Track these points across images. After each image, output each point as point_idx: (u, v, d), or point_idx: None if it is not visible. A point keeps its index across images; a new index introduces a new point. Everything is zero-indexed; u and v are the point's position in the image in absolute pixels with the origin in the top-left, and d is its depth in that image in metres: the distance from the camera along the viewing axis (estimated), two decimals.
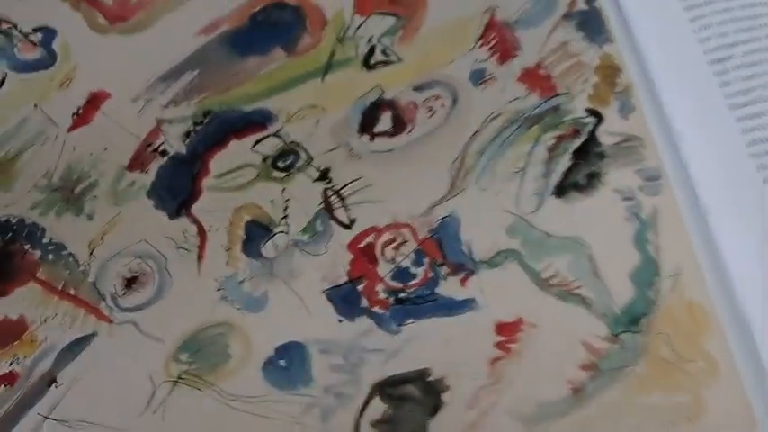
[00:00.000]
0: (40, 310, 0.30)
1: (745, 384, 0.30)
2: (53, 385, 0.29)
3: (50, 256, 0.31)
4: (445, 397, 0.29)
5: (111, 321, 0.30)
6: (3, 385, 0.29)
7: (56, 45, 0.35)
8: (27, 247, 0.31)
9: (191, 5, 0.36)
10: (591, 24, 0.36)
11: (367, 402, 0.29)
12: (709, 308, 0.31)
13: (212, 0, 0.37)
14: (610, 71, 0.35)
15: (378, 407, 0.29)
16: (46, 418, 0.29)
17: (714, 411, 0.29)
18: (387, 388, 0.29)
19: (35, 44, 0.35)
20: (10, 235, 0.31)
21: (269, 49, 0.35)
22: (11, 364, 0.30)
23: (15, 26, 0.35)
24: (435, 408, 0.29)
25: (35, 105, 0.34)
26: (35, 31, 0.35)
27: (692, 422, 0.29)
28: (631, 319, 0.30)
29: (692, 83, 0.36)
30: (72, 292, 0.30)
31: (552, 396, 0.29)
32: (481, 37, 0.35)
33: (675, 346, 0.30)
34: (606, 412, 0.29)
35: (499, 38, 0.35)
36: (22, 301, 0.30)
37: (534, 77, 0.34)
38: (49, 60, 0.34)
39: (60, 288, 0.31)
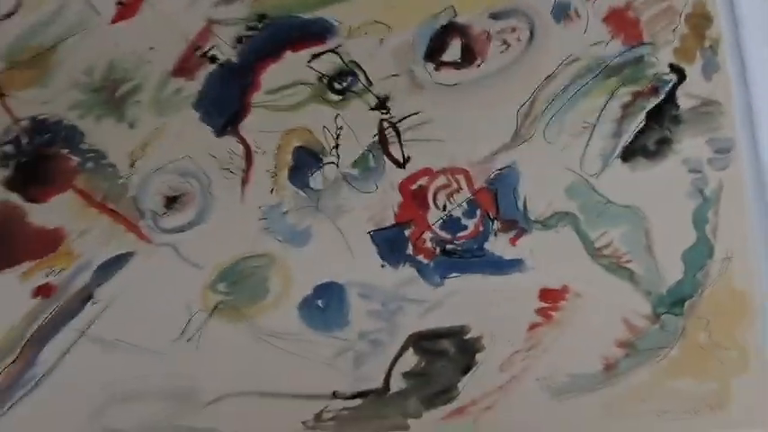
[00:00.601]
0: (78, 221, 0.31)
1: None
2: (89, 302, 0.29)
3: (89, 164, 0.31)
4: (479, 357, 0.30)
5: (150, 242, 0.31)
6: (39, 296, 0.29)
7: None
8: (65, 151, 0.31)
9: None
10: None
11: (401, 353, 0.30)
12: (754, 298, 0.31)
13: None
14: (701, 21, 0.34)
15: (411, 359, 0.30)
16: (82, 333, 0.28)
17: (739, 403, 0.31)
18: (422, 341, 0.30)
19: None
20: (48, 136, 0.30)
21: None
22: (47, 275, 0.30)
23: None
24: (468, 367, 0.31)
25: None
26: None
27: (714, 412, 0.30)
28: (676, 301, 0.31)
29: None
30: (111, 205, 0.30)
31: (584, 370, 0.31)
32: None
33: (713, 333, 0.31)
34: (633, 393, 0.31)
35: None
36: (59, 211, 0.32)
37: (621, 20, 0.34)
38: None
39: (99, 200, 0.29)
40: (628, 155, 0.35)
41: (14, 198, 0.33)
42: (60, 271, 0.32)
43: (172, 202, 0.33)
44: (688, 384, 0.33)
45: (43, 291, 0.32)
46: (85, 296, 0.32)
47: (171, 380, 0.32)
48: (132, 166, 0.33)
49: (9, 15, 0.34)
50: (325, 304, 0.33)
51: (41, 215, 0.33)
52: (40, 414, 0.31)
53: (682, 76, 0.36)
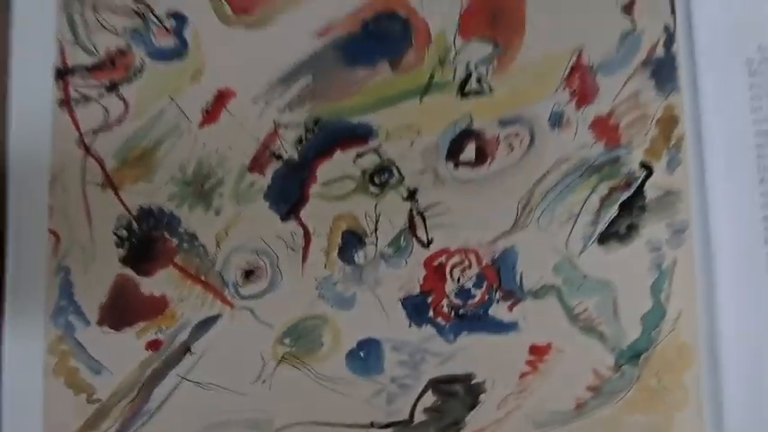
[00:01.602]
0: (178, 291, 0.41)
1: (706, 415, 0.42)
2: (188, 353, 0.40)
3: (185, 245, 0.41)
4: (482, 397, 0.41)
5: (232, 306, 0.41)
6: (150, 350, 0.40)
7: (187, 33, 0.43)
8: (167, 234, 0.41)
9: (309, 4, 0.43)
10: (663, 72, 0.45)
11: (422, 393, 0.42)
12: (695, 349, 0.42)
13: (328, 2, 0.42)
14: (669, 123, 0.44)
15: (430, 398, 0.41)
16: (183, 378, 0.40)
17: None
18: (439, 384, 0.41)
19: (168, 30, 0.41)
20: (153, 222, 0.40)
21: (376, 61, 0.42)
22: (156, 333, 0.41)
23: (151, 9, 0.41)
24: (473, 405, 0.42)
25: (171, 98, 0.41)
26: (168, 16, 0.41)
27: None
28: (634, 354, 0.42)
29: (735, 147, 0.44)
30: (202, 278, 0.40)
31: (561, 408, 0.42)
32: (566, 78, 0.42)
33: (662, 379, 0.42)
34: (598, 426, 0.42)
35: (581, 81, 0.43)
36: (164, 282, 0.41)
37: (604, 127, 0.43)
38: (181, 49, 0.42)
39: (193, 273, 0.40)
40: (603, 238, 0.45)
41: (129, 272, 0.43)
42: (166, 329, 0.43)
43: (249, 274, 0.44)
44: (640, 419, 0.45)
45: (153, 345, 0.43)
46: (185, 349, 0.43)
47: (250, 413, 0.43)
48: (218, 246, 0.44)
49: (120, 122, 0.44)
50: (366, 355, 0.44)
51: (150, 286, 0.43)
52: None
53: (650, 171, 0.46)
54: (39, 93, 0.43)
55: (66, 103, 0.43)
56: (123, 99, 0.44)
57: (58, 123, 0.43)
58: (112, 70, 0.44)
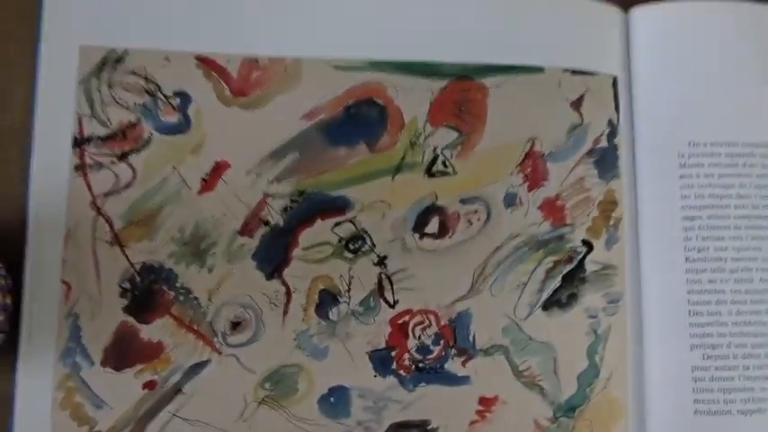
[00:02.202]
0: (173, 337, 0.48)
1: None
2: (179, 393, 0.46)
3: (181, 298, 0.47)
4: None
5: (220, 353, 0.47)
6: (146, 389, 0.46)
7: (191, 111, 0.49)
8: (165, 287, 0.47)
9: (298, 90, 0.50)
10: (606, 161, 0.51)
11: None
12: (624, 404, 0.49)
13: (315, 88, 0.51)
14: (608, 206, 0.50)
15: None
16: (174, 415, 0.46)
17: None
18: (399, 428, 0.49)
19: (174, 108, 0.48)
20: (153, 276, 0.47)
21: (355, 142, 0.49)
22: (152, 374, 0.47)
23: (160, 88, 0.47)
24: None
25: (173, 167, 0.48)
26: (175, 95, 0.48)
27: None
28: (569, 408, 0.49)
29: (665, 229, 0.51)
30: (195, 327, 0.47)
31: None
32: (520, 164, 0.49)
33: (594, 429, 0.48)
34: None
35: (533, 167, 0.50)
36: (161, 330, 0.48)
37: (551, 207, 0.50)
38: (185, 125, 0.49)
39: (187, 323, 0.47)
40: (547, 305, 0.52)
41: (131, 320, 0.50)
42: (161, 371, 0.49)
43: (236, 325, 0.50)
44: None
45: (149, 385, 0.49)
46: (177, 389, 0.49)
47: None
48: (210, 299, 0.50)
49: (128, 187, 0.51)
50: (335, 400, 0.50)
51: (149, 332, 0.49)
52: None
53: (590, 247, 0.53)
54: (58, 158, 0.50)
55: (81, 168, 0.50)
56: (132, 167, 0.50)
57: (74, 186, 0.50)
58: (124, 141, 0.50)
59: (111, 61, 0.51)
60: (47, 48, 0.51)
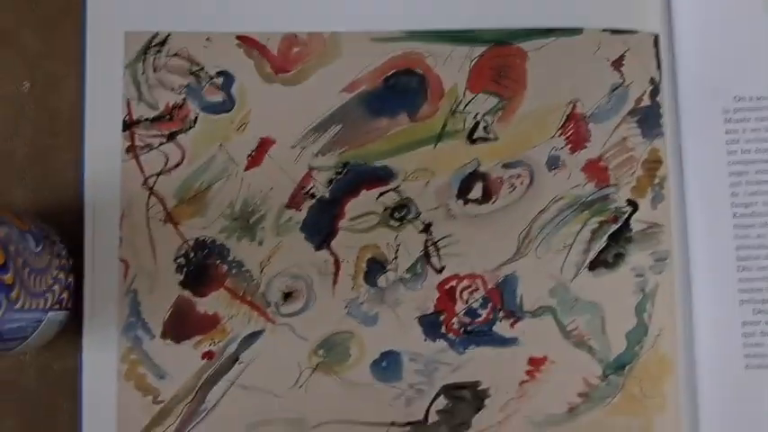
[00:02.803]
0: (228, 309, 0.49)
1: (683, 419, 0.49)
2: (237, 362, 0.48)
3: (234, 271, 0.49)
4: (487, 401, 0.49)
5: (274, 322, 0.49)
6: (205, 359, 0.48)
7: (234, 90, 0.50)
8: (218, 262, 0.49)
9: (338, 63, 0.51)
10: (649, 120, 0.51)
11: (435, 397, 0.50)
12: (674, 361, 0.49)
13: (354, 61, 0.51)
14: (653, 165, 0.50)
15: (442, 402, 0.49)
16: (232, 383, 0.48)
17: None
18: (450, 390, 0.49)
19: (218, 87, 0.49)
20: (206, 251, 0.48)
21: (396, 112, 0.50)
22: (209, 345, 0.49)
23: (203, 68, 0.49)
24: (479, 408, 0.49)
25: (220, 145, 0.49)
26: (218, 74, 0.49)
27: None
28: (619, 366, 0.49)
29: (712, 185, 0.51)
30: (249, 298, 0.48)
31: (555, 411, 0.50)
32: (562, 126, 0.49)
33: (643, 387, 0.49)
34: (586, 427, 0.49)
35: (575, 129, 0.50)
36: (216, 302, 0.49)
37: (595, 168, 0.50)
38: (229, 104, 0.50)
39: (241, 295, 0.48)
40: (593, 266, 0.53)
41: (187, 294, 0.51)
42: (218, 342, 0.51)
43: (288, 296, 0.52)
44: (623, 421, 0.51)
45: (208, 355, 0.51)
46: (234, 358, 0.50)
47: (288, 413, 0.50)
48: (262, 271, 0.52)
49: (177, 166, 0.52)
50: (387, 365, 0.52)
51: (205, 305, 0.51)
52: None
53: (636, 207, 0.53)
54: (109, 142, 0.51)
55: (132, 150, 0.51)
56: (180, 146, 0.52)
57: (126, 168, 0.51)
58: (171, 122, 0.52)
59: (156, 45, 0.52)
60: (92, 35, 0.52)
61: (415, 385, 0.51)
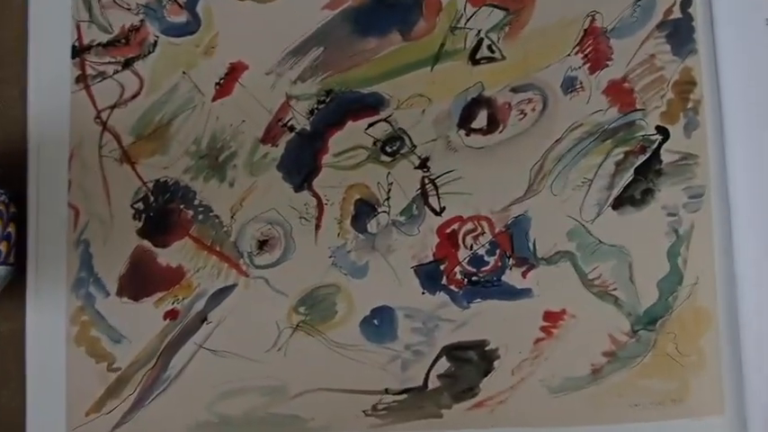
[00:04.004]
0: (194, 261, 0.41)
1: (723, 377, 0.40)
2: (205, 322, 0.40)
3: (200, 217, 0.41)
4: (496, 363, 0.41)
5: (247, 275, 0.41)
6: (168, 319, 0.40)
7: (199, 8, 0.43)
8: (182, 206, 0.41)
9: None
10: (680, 34, 0.43)
11: (436, 360, 0.41)
12: (713, 313, 0.41)
13: None
14: (686, 87, 0.42)
15: (444, 364, 0.41)
16: (200, 346, 0.40)
17: (696, 397, 0.41)
18: (453, 351, 0.41)
19: (181, 6, 0.41)
20: (168, 195, 0.41)
21: (387, 30, 0.42)
22: (173, 303, 0.41)
23: None
24: (487, 371, 0.41)
25: (183, 72, 0.41)
26: None
27: (676, 404, 0.40)
28: (650, 320, 0.41)
29: (755, 109, 0.42)
30: (218, 248, 0.41)
31: (576, 373, 0.41)
32: (579, 42, 0.41)
33: (678, 344, 0.41)
34: (613, 390, 0.41)
35: (595, 45, 0.42)
36: (180, 253, 0.41)
37: (618, 91, 0.42)
38: (194, 25, 0.42)
39: (209, 244, 0.40)
40: (618, 204, 0.44)
41: (146, 244, 0.43)
42: (183, 299, 0.43)
43: (263, 244, 0.44)
44: (656, 383, 0.43)
45: (171, 314, 0.43)
46: (202, 318, 0.43)
47: (266, 380, 0.42)
48: (232, 217, 0.44)
49: (134, 97, 0.44)
50: (380, 323, 0.44)
51: (167, 257, 0.43)
52: (172, 405, 0.42)
53: (666, 135, 0.45)
54: (56, 71, 0.43)
55: (83, 80, 0.43)
56: (138, 75, 0.44)
57: (76, 100, 0.43)
58: (127, 46, 0.44)
59: None
60: None
61: (412, 346, 0.43)
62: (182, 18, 0.44)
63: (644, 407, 0.43)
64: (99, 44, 0.43)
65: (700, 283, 0.43)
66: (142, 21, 0.44)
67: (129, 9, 0.44)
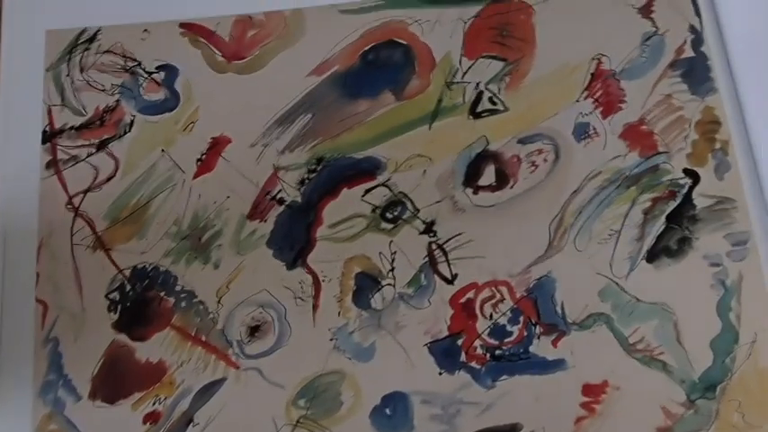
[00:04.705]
0: (177, 354, 0.36)
1: None
2: (191, 425, 0.34)
3: (183, 304, 0.36)
4: None
5: (237, 367, 0.35)
6: (148, 423, 0.34)
7: (178, 84, 0.40)
8: (162, 293, 0.36)
9: (302, 44, 0.40)
10: (696, 73, 0.39)
11: None
12: None
13: (323, 38, 0.39)
14: (710, 126, 0.37)
15: None
16: None
17: None
18: None
19: (159, 83, 0.38)
20: (147, 282, 0.36)
21: (378, 91, 0.38)
22: (154, 404, 0.35)
23: (140, 64, 0.38)
24: None
25: (162, 150, 0.37)
26: (158, 69, 0.37)
27: None
28: (708, 386, 0.34)
29: None
30: (203, 338, 0.35)
31: None
32: (587, 87, 0.37)
33: (745, 412, 0.34)
34: None
35: (604, 89, 0.38)
36: (161, 346, 0.36)
37: (636, 134, 0.37)
38: (172, 101, 0.39)
39: (193, 334, 0.34)
40: (652, 256, 0.39)
41: (123, 338, 0.38)
42: (165, 398, 0.37)
43: (254, 330, 0.38)
44: None
45: (152, 417, 0.37)
46: (187, 419, 0.37)
47: None
48: (219, 302, 0.38)
49: (109, 179, 0.40)
50: (392, 411, 0.37)
51: (146, 351, 0.38)
52: None
53: (696, 178, 0.40)
54: (25, 157, 0.40)
55: (53, 164, 0.40)
56: (113, 156, 0.40)
57: (46, 187, 0.39)
58: (102, 128, 0.40)
59: (83, 42, 0.41)
60: (9, 35, 0.42)
61: None
62: (159, 95, 0.40)
63: None
64: (72, 127, 0.40)
65: (759, 340, 0.36)
66: (117, 101, 0.40)
67: (103, 90, 0.40)
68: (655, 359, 0.37)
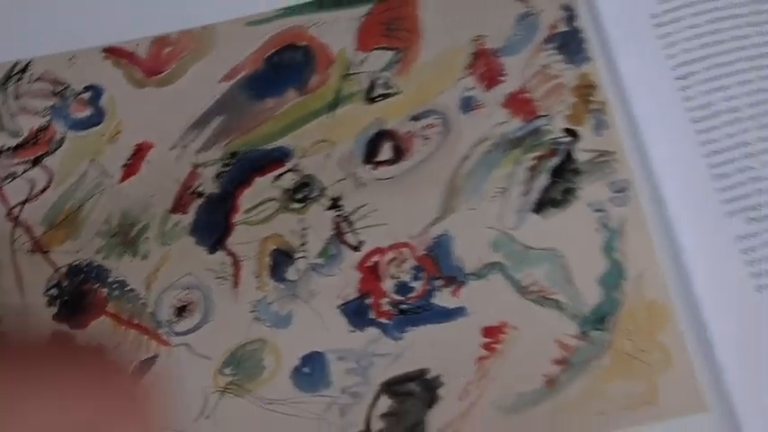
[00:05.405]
0: (113, 337, 0.38)
1: (696, 372, 0.36)
2: None
3: (116, 293, 0.39)
4: (440, 392, 0.37)
5: (168, 344, 0.38)
6: None
7: (103, 101, 0.43)
8: (96, 286, 0.39)
9: (213, 55, 0.43)
10: (571, 45, 0.42)
11: (376, 399, 0.37)
12: (667, 305, 0.37)
13: (231, 48, 0.43)
14: (586, 90, 0.40)
15: (385, 402, 0.37)
16: None
17: (668, 396, 0.36)
18: (392, 386, 0.37)
19: (86, 102, 0.41)
20: (82, 276, 0.39)
21: (283, 90, 0.41)
22: None
23: (68, 87, 0.42)
24: (432, 401, 0.37)
25: (91, 160, 0.41)
26: (85, 89, 0.41)
27: (646, 406, 0.35)
28: (599, 319, 0.37)
29: (660, 97, 0.41)
30: (136, 321, 0.38)
31: (529, 388, 0.37)
32: (470, 65, 0.40)
33: (635, 341, 0.36)
34: (575, 400, 0.36)
35: (486, 66, 0.41)
36: (98, 332, 0.38)
37: (517, 102, 0.40)
38: (98, 117, 0.42)
39: (126, 319, 0.38)
40: (539, 207, 0.42)
41: (64, 327, 0.42)
42: None
43: (182, 310, 0.41)
44: (620, 386, 0.39)
45: None
46: None
47: None
48: (148, 288, 0.42)
49: (44, 190, 0.44)
50: (311, 370, 0.40)
51: (85, 338, 0.41)
52: None
53: (575, 136, 0.43)
54: None
55: None
56: (47, 169, 0.43)
57: None
58: (36, 146, 0.44)
59: (16, 73, 0.46)
60: None
61: (349, 388, 0.39)
62: (86, 112, 0.44)
63: (612, 414, 0.38)
64: (9, 148, 0.44)
65: (645, 276, 0.40)
66: (49, 121, 0.44)
67: (36, 113, 0.44)
68: (548, 299, 0.40)
